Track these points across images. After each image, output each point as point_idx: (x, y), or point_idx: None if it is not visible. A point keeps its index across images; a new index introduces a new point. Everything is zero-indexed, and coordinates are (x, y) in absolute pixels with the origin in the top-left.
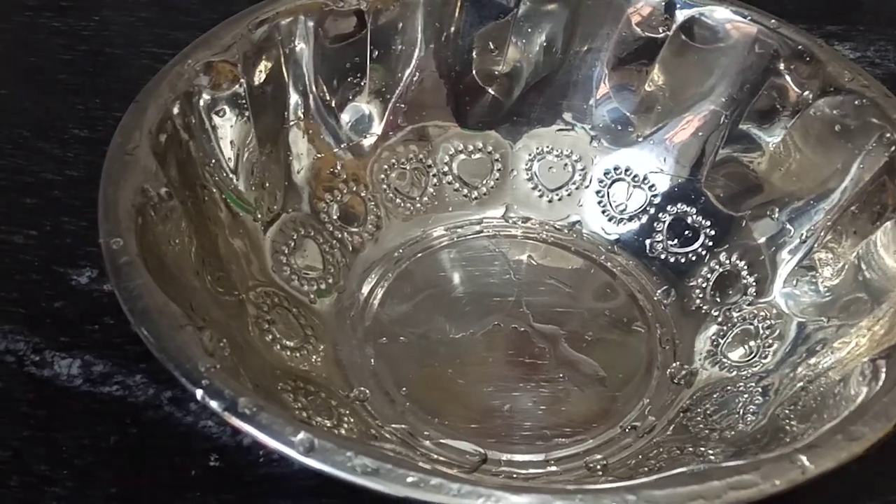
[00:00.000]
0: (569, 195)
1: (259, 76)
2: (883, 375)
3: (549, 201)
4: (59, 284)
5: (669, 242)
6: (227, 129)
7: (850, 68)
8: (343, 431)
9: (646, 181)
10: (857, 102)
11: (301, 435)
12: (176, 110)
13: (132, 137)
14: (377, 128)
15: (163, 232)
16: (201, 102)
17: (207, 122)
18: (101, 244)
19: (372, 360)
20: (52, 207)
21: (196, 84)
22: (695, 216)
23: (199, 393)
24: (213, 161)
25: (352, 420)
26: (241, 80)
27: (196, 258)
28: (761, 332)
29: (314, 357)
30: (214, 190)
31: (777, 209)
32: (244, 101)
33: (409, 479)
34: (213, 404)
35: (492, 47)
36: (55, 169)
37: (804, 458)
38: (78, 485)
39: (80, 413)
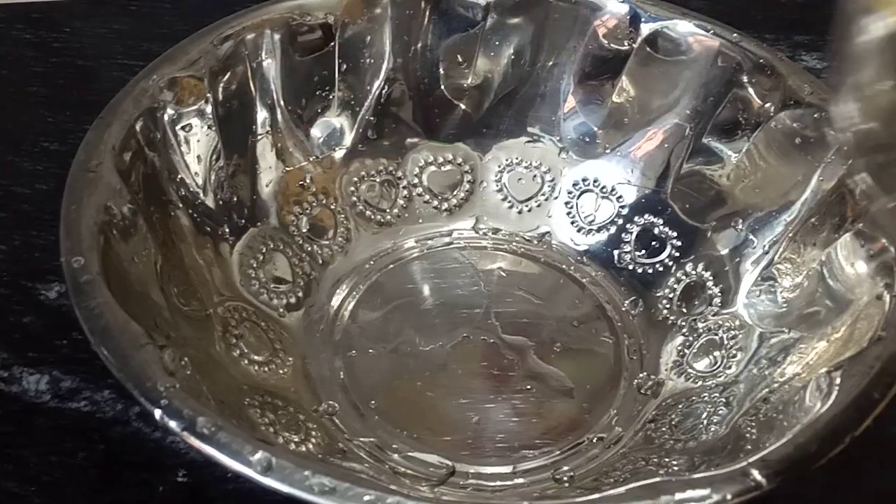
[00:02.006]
0: (538, 206)
1: (225, 91)
2: (836, 389)
3: (519, 212)
4: (27, 299)
5: (637, 253)
6: (194, 143)
7: (811, 81)
8: (311, 446)
9: (613, 192)
10: (816, 115)
11: (259, 454)
12: (140, 126)
13: (95, 154)
14: (346, 141)
15: (126, 249)
16: (166, 117)
17: (173, 137)
18: (62, 263)
19: (341, 374)
20: (21, 221)
21: (160, 99)
22: (661, 227)
23: (157, 413)
24: (179, 176)
25: (319, 434)
26: (208, 95)
27: (162, 274)
28: (726, 342)
29: (282, 371)
30: (181, 205)
31: (740, 220)
32: (210, 116)
33: (367, 498)
34: (172, 424)
35: (460, 60)
36: (25, 182)
37: (756, 472)
38: (45, 501)
39: (47, 429)
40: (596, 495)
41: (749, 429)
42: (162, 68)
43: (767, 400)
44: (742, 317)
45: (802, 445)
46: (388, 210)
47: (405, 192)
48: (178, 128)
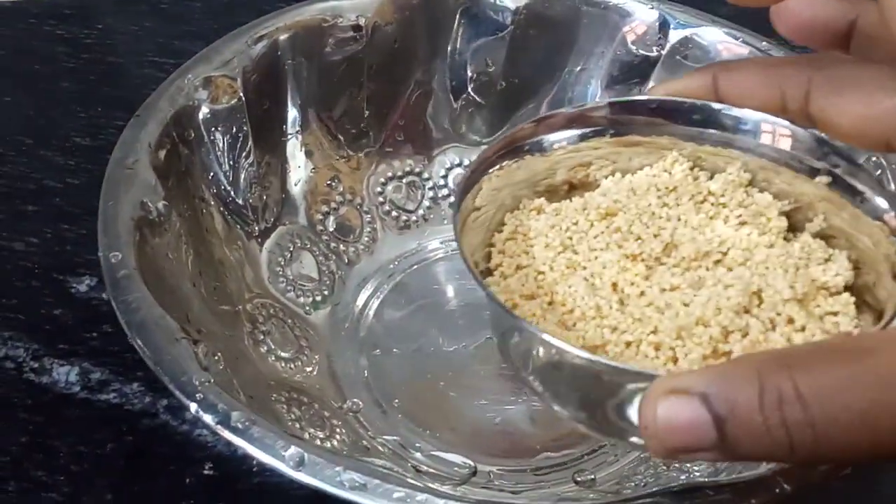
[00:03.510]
0: None
1: (258, 90)
2: None
3: None
4: (58, 292)
5: None
6: (226, 142)
7: None
8: (335, 443)
9: None
10: None
11: (292, 449)
12: (175, 125)
13: (132, 152)
14: (374, 141)
15: (160, 244)
16: (200, 116)
17: (206, 136)
18: (101, 258)
19: (365, 372)
20: (52, 215)
21: (195, 98)
22: None
23: (193, 407)
24: (212, 174)
25: (343, 431)
26: (240, 95)
27: (193, 270)
28: None
29: (308, 368)
30: (213, 202)
31: None
32: (243, 116)
33: (396, 495)
34: (207, 418)
35: (488, 63)
36: (56, 177)
37: (781, 479)
38: (73, 491)
39: (77, 420)
40: (623, 497)
41: None
42: (196, 68)
43: None
44: None
45: None
46: (413, 211)
47: (431, 193)
48: (211, 126)
